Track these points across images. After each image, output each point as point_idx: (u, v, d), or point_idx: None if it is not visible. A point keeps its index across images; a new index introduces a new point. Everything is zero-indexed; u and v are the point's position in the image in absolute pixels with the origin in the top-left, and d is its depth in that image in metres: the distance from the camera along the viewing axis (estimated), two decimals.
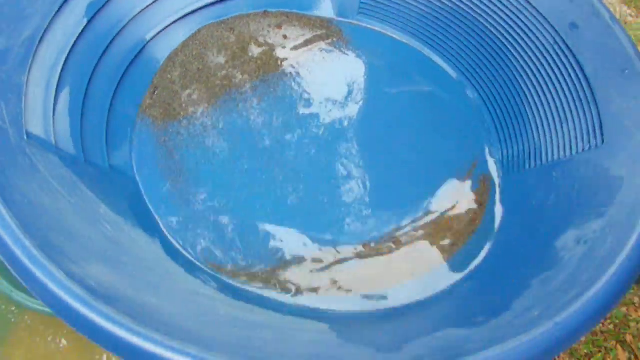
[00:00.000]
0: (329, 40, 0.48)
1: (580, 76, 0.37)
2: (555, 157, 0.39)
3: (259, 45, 0.45)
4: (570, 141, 0.37)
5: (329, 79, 0.44)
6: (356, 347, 0.33)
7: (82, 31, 0.38)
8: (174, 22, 0.46)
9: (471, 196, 0.43)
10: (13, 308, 0.65)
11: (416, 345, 0.31)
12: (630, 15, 2.04)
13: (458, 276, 0.40)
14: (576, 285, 0.29)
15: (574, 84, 0.38)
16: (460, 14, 0.45)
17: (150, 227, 0.40)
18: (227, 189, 0.42)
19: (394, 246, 0.41)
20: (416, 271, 0.41)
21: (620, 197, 0.33)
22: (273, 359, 0.29)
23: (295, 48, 0.46)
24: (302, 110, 0.42)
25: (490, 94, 0.45)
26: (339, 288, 0.39)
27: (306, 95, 0.44)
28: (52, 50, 0.36)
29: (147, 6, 0.43)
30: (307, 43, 0.46)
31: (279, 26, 0.46)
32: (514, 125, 0.43)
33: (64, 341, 0.70)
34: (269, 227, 0.41)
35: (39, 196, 0.32)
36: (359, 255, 0.41)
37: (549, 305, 0.28)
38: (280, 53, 0.46)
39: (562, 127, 0.40)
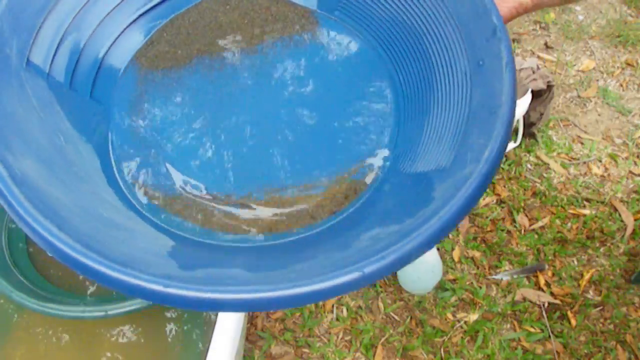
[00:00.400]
0: (302, 30, 0.52)
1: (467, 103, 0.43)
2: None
3: (245, 22, 0.53)
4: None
5: (292, 63, 0.51)
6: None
7: None
8: None
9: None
10: (13, 307, 0.65)
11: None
12: (631, 16, 2.04)
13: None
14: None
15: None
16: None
17: (99, 146, 0.49)
18: (172, 129, 0.51)
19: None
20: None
21: None
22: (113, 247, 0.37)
23: (272, 31, 0.52)
24: (262, 82, 0.51)
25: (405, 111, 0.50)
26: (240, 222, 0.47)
27: (269, 73, 0.51)
28: (69, 1, 0.46)
29: None
30: (283, 29, 0.52)
31: (268, 8, 0.52)
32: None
33: (63, 341, 0.71)
34: (197, 163, 0.50)
35: (14, 107, 0.41)
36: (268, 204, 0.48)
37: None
38: (256, 31, 0.53)
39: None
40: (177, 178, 0.49)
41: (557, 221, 1.28)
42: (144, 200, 0.48)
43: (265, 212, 0.47)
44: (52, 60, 0.47)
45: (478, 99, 0.41)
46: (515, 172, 1.39)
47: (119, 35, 0.51)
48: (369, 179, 0.47)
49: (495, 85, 0.39)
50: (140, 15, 0.52)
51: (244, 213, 0.47)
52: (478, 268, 1.18)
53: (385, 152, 0.48)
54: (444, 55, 0.44)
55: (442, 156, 0.42)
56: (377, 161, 0.48)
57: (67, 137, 0.46)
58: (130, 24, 0.51)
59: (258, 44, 0.52)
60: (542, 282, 1.15)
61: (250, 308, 0.34)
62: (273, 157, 0.49)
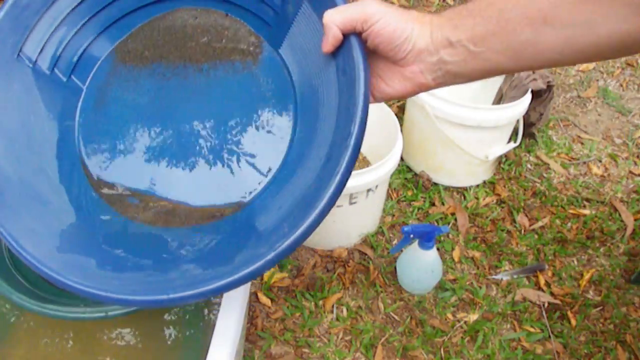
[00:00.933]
0: (246, 58, 0.57)
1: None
2: None
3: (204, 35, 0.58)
4: None
5: (226, 88, 0.58)
6: None
7: None
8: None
9: None
10: (12, 308, 0.65)
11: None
12: None
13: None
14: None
15: None
16: None
17: (63, 125, 0.57)
18: (119, 125, 0.59)
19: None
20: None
21: None
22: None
23: (221, 53, 0.58)
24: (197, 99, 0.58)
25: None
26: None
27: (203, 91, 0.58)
28: (62, 4, 0.53)
29: None
30: (230, 53, 0.57)
31: (227, 29, 0.57)
32: None
33: (63, 342, 0.70)
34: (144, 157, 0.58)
35: None
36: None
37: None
38: (209, 50, 0.58)
39: None
40: (102, 168, 0.57)
41: (557, 221, 1.28)
42: (82, 178, 0.57)
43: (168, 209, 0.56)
44: (41, 51, 0.54)
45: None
46: (515, 172, 1.39)
47: (102, 31, 0.57)
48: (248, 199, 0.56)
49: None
50: (125, 15, 0.57)
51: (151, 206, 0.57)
52: (478, 268, 1.18)
53: (266, 179, 0.56)
54: (327, 123, 0.50)
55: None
56: (259, 182, 0.56)
57: (37, 116, 0.54)
58: (116, 21, 0.57)
59: (206, 62, 0.57)
60: (542, 282, 1.15)
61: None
62: (180, 173, 0.57)
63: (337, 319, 1.08)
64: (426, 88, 0.45)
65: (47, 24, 0.53)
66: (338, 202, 1.08)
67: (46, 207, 0.53)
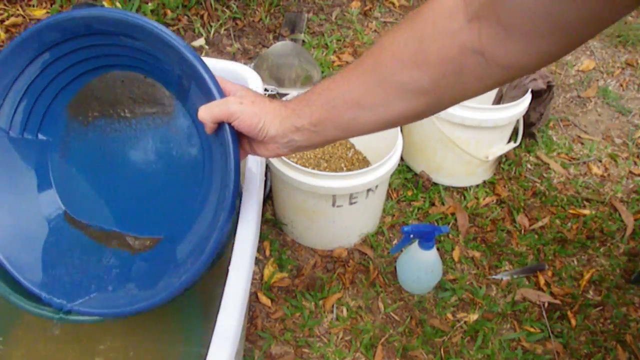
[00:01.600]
0: (162, 114, 0.69)
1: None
2: None
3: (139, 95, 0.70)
4: None
5: (149, 139, 0.70)
6: None
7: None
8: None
9: None
10: (11, 309, 0.65)
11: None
12: (631, 16, 2.04)
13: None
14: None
15: None
16: None
17: (40, 173, 0.72)
18: (75, 172, 0.73)
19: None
20: None
21: None
22: None
23: (143, 110, 0.70)
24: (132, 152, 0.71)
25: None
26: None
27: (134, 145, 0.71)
28: (21, 82, 0.66)
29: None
30: (150, 109, 0.69)
31: (145, 90, 0.69)
32: None
33: (62, 342, 0.70)
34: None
35: None
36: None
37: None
38: (135, 107, 0.71)
39: None
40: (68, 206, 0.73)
41: (557, 221, 1.28)
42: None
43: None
44: (11, 121, 0.68)
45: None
46: (515, 172, 1.39)
47: (55, 95, 0.69)
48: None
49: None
50: (71, 81, 0.69)
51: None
52: (478, 268, 1.18)
53: (185, 217, 0.68)
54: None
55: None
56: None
57: (18, 172, 0.70)
58: (65, 86, 0.69)
59: (133, 118, 0.70)
60: (542, 282, 1.15)
61: None
62: (125, 211, 0.72)
63: (337, 319, 1.08)
64: (285, 154, 0.60)
65: (11, 100, 0.67)
66: (338, 202, 1.08)
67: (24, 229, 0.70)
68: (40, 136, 0.71)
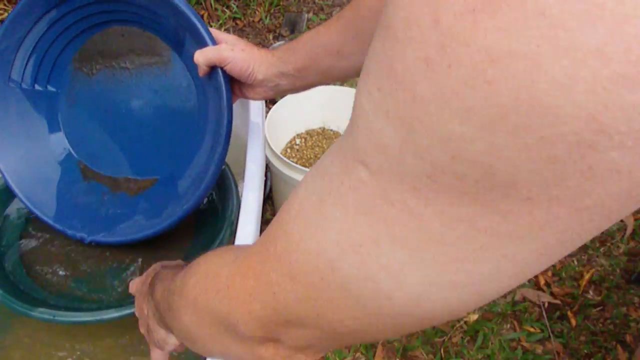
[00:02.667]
0: (161, 63, 0.75)
1: None
2: None
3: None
4: None
5: (149, 87, 0.77)
6: None
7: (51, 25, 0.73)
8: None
9: None
10: (8, 311, 0.65)
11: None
12: None
13: None
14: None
15: None
16: None
17: (51, 120, 0.80)
18: (82, 119, 0.80)
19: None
20: None
21: None
22: None
23: (142, 61, 0.76)
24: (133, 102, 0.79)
25: None
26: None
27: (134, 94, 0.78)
28: (30, 39, 0.73)
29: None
30: (149, 59, 0.75)
31: (145, 42, 0.74)
32: None
33: (61, 344, 0.70)
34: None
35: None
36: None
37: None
38: (134, 58, 0.76)
39: None
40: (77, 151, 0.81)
41: None
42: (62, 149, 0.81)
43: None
44: (23, 74, 0.75)
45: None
46: None
47: (62, 50, 0.76)
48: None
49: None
50: (76, 36, 0.75)
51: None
52: None
53: (183, 156, 0.75)
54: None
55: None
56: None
57: (31, 120, 0.78)
58: (70, 40, 0.75)
59: (134, 68, 0.76)
60: (542, 282, 1.15)
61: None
62: (130, 154, 0.79)
63: None
64: (271, 97, 0.67)
65: (22, 55, 0.73)
66: None
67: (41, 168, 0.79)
68: (49, 87, 0.78)
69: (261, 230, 1.00)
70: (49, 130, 0.79)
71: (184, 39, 0.68)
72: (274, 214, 1.24)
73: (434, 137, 0.18)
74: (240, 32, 1.72)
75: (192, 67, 0.69)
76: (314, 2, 1.87)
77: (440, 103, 0.18)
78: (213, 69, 0.62)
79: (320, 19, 1.80)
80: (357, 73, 0.59)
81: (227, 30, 1.71)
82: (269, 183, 1.22)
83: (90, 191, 0.79)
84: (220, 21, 1.72)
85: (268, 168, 1.10)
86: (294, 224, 0.27)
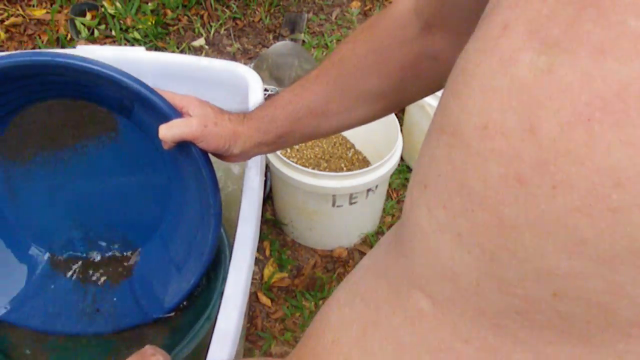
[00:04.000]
0: (106, 131, 0.67)
1: None
2: None
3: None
4: None
5: (98, 159, 0.69)
6: None
7: None
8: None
9: None
10: None
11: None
12: None
13: None
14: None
15: None
16: None
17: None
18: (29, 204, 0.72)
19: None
20: None
21: None
22: None
23: (85, 133, 0.67)
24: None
25: None
26: None
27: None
28: None
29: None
30: (93, 131, 0.66)
31: (81, 112, 0.65)
32: None
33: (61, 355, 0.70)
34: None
35: None
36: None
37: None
38: (74, 132, 0.67)
39: None
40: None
41: None
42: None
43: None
44: None
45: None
46: None
47: None
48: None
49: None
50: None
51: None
52: None
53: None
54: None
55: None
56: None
57: None
58: None
59: (77, 143, 0.67)
60: None
61: None
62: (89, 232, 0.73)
63: None
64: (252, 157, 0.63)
65: None
66: (338, 202, 1.08)
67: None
68: None
69: (261, 230, 0.99)
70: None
71: (132, 106, 0.61)
72: (274, 214, 1.24)
73: (528, 271, 0.15)
74: (240, 32, 1.72)
75: (146, 127, 0.62)
76: (314, 2, 1.87)
77: (540, 232, 0.15)
78: (183, 143, 0.55)
79: (320, 19, 1.80)
80: (342, 129, 0.57)
81: (227, 31, 1.71)
82: (269, 183, 1.22)
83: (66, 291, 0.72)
84: (220, 21, 1.72)
85: (268, 168, 1.10)
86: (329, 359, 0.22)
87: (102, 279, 0.73)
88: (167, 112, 0.55)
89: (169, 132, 0.53)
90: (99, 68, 0.54)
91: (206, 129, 0.53)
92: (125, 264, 0.72)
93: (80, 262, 0.73)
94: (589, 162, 0.14)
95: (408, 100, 0.55)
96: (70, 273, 0.73)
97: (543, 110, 0.15)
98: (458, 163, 0.17)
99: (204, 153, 0.56)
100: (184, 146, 0.55)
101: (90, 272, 0.73)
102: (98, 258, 0.74)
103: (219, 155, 0.58)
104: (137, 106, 0.60)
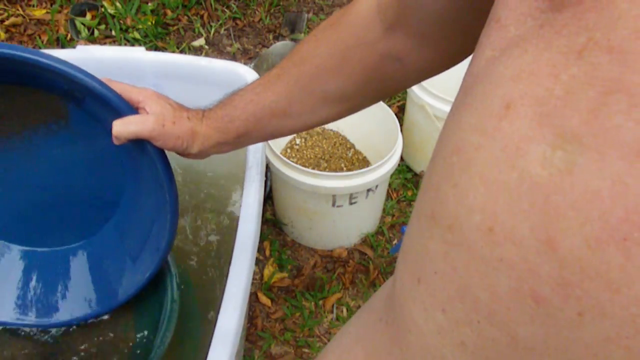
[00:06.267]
0: (56, 118, 0.64)
1: None
2: None
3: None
4: None
5: (47, 149, 0.66)
6: None
7: None
8: None
9: None
10: None
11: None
12: None
13: None
14: None
15: None
16: None
17: None
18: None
19: None
20: None
21: None
22: None
23: (33, 121, 0.64)
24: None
25: None
26: None
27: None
28: None
29: None
30: (41, 118, 0.64)
31: (28, 98, 0.62)
32: None
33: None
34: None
35: None
36: None
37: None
38: (22, 120, 0.65)
39: None
40: None
41: None
42: None
43: None
44: None
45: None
46: None
47: None
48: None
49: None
50: None
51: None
52: None
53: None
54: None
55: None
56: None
57: None
58: None
59: (25, 130, 0.65)
60: None
61: None
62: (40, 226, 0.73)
63: (337, 319, 1.08)
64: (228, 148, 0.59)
65: None
66: (338, 202, 1.08)
67: None
68: None
69: (261, 230, 1.00)
70: None
71: (82, 98, 0.59)
72: (274, 214, 1.24)
73: None
74: (240, 32, 1.72)
75: (98, 117, 0.60)
76: (314, 2, 1.87)
77: (563, 359, 0.13)
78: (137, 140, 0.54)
79: (320, 19, 1.80)
80: (303, 129, 0.56)
81: (227, 31, 1.71)
82: (269, 183, 1.22)
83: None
84: (220, 21, 1.72)
85: (268, 168, 1.10)
86: None
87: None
88: (121, 108, 0.53)
89: (123, 129, 0.51)
90: (44, 60, 0.52)
91: (163, 129, 0.52)
92: (71, 257, 0.73)
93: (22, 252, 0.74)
94: (625, 290, 0.12)
95: (372, 101, 0.53)
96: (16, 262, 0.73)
97: (564, 221, 0.12)
98: (459, 266, 0.15)
99: (160, 150, 0.55)
100: (138, 142, 0.53)
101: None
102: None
103: (176, 152, 0.57)
104: (89, 99, 0.58)
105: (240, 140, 0.55)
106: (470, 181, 0.15)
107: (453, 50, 0.44)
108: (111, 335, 0.70)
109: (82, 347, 0.70)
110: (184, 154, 0.55)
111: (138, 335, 0.70)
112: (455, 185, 0.15)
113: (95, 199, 0.69)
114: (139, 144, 0.54)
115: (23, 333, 0.71)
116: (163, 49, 1.61)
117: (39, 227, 0.72)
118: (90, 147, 0.65)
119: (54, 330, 0.71)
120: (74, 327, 0.71)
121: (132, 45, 1.59)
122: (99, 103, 0.55)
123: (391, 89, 0.51)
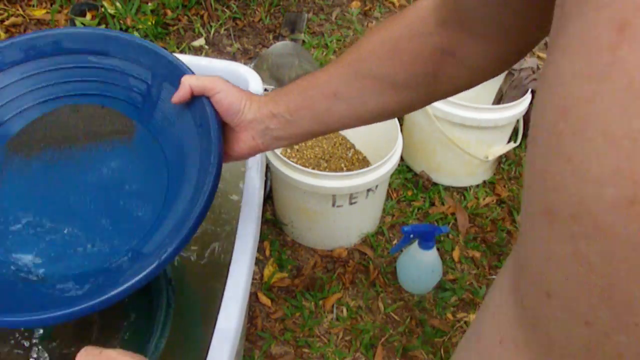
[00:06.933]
0: (122, 136, 0.67)
1: None
2: None
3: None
4: None
5: (109, 163, 0.67)
6: None
7: None
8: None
9: None
10: None
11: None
12: None
13: None
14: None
15: None
16: None
17: None
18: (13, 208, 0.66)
19: None
20: None
21: None
22: None
23: (101, 135, 0.68)
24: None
25: None
26: None
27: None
28: None
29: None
30: (109, 134, 0.67)
31: (103, 116, 0.67)
32: None
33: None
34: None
35: None
36: None
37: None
38: (90, 133, 0.68)
39: None
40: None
41: None
42: None
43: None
44: None
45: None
46: (515, 172, 1.39)
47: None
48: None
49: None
50: (17, 113, 0.66)
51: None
52: (478, 268, 1.18)
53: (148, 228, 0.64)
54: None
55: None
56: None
57: None
58: (11, 117, 0.67)
59: (88, 142, 0.67)
60: None
61: None
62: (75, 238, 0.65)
63: (337, 319, 1.08)
64: (258, 150, 0.60)
65: None
66: (338, 202, 1.08)
67: None
68: None
69: (261, 230, 1.00)
70: None
71: (157, 98, 0.62)
72: (274, 214, 1.24)
73: None
74: (240, 32, 1.72)
75: (164, 124, 0.63)
76: (314, 2, 1.87)
77: None
78: (198, 100, 0.58)
79: (320, 19, 1.80)
80: (355, 121, 0.56)
81: (227, 31, 1.71)
82: (269, 183, 1.22)
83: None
84: (220, 21, 1.72)
85: (268, 168, 1.10)
86: None
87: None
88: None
89: (193, 78, 0.57)
90: (144, 41, 0.59)
91: (227, 84, 0.57)
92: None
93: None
94: None
95: (422, 98, 0.53)
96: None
97: None
98: (596, 262, 0.12)
99: (216, 111, 0.58)
100: (194, 105, 0.58)
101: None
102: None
103: (226, 129, 0.59)
104: (164, 92, 0.61)
105: (293, 117, 0.55)
106: (590, 146, 0.11)
107: (508, 49, 0.45)
108: (102, 340, 0.68)
109: (69, 350, 0.68)
110: (235, 120, 0.57)
111: (130, 340, 0.68)
112: (569, 160, 0.12)
113: (132, 217, 0.66)
114: (194, 106, 0.58)
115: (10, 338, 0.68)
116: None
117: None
118: (143, 162, 0.66)
119: (39, 332, 0.68)
120: (62, 329, 0.68)
121: None
122: (173, 92, 0.59)
123: (442, 85, 0.50)
